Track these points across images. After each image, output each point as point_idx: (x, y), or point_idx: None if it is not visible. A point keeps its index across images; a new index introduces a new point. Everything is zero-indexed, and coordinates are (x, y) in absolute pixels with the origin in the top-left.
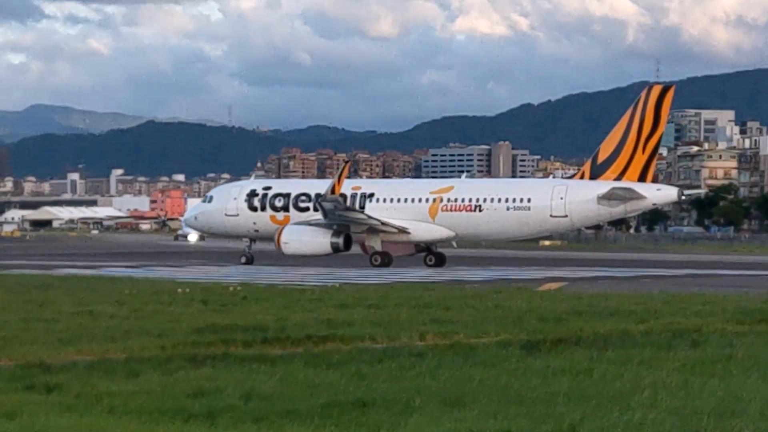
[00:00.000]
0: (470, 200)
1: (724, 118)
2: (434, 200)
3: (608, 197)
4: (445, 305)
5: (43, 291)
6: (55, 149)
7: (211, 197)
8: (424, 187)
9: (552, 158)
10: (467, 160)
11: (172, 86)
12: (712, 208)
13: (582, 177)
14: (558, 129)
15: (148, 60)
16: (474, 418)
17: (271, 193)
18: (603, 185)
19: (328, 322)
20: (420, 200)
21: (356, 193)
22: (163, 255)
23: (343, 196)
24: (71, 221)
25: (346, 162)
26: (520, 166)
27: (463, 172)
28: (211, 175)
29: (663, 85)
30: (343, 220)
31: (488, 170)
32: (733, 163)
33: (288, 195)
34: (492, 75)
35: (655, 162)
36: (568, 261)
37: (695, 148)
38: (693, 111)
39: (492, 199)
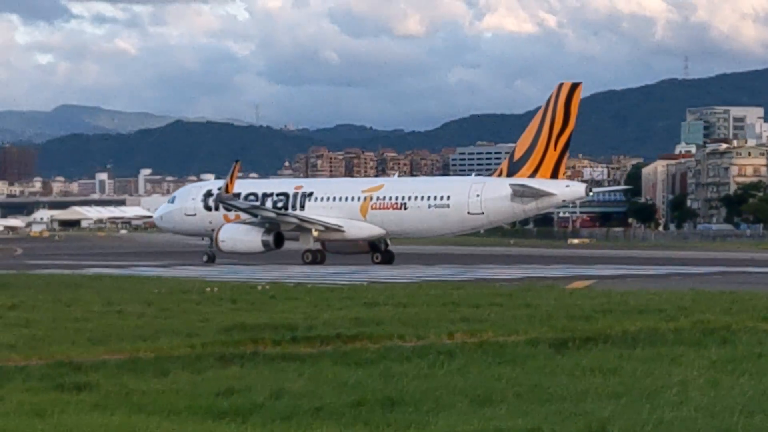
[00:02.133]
0: (396, 198)
1: (753, 115)
2: (365, 199)
3: (520, 194)
4: (474, 304)
5: (73, 291)
6: (84, 149)
7: (174, 198)
8: (357, 186)
9: (580, 156)
10: (495, 159)
11: (199, 86)
12: (742, 206)
13: (500, 175)
14: (586, 126)
15: (176, 59)
16: (503, 416)
17: None
18: (507, 183)
19: (357, 321)
20: (353, 199)
21: (297, 192)
22: (192, 254)
23: (238, 195)
24: (100, 221)
25: (236, 161)
26: None
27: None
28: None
29: (572, 83)
30: (267, 217)
31: None
32: (763, 161)
33: (238, 195)
34: (520, 73)
35: (566, 158)
36: (596, 259)
37: (724, 146)
38: (722, 108)
39: (416, 198)
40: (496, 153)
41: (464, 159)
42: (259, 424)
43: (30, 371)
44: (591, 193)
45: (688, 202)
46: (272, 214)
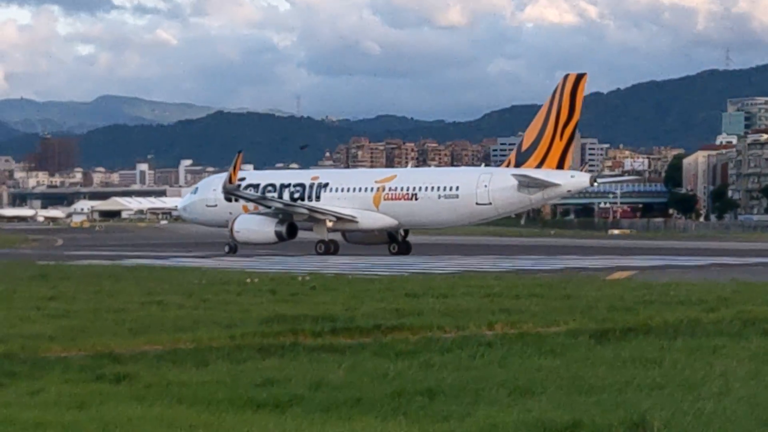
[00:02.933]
0: (408, 189)
1: None
2: (378, 189)
3: (526, 185)
4: (514, 294)
5: (113, 281)
6: (124, 140)
7: (197, 189)
8: (371, 177)
9: (621, 147)
10: None
11: (240, 76)
12: None
13: (508, 165)
14: (627, 117)
15: (217, 50)
16: (543, 407)
17: (244, 183)
18: (510, 174)
19: (397, 312)
20: (366, 189)
21: (313, 183)
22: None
23: (255, 185)
24: (140, 212)
25: (239, 152)
26: (589, 154)
27: None
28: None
29: (577, 74)
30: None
31: None
32: None
33: (258, 185)
34: (561, 64)
35: (572, 148)
36: (637, 250)
37: (765, 136)
38: (763, 99)
39: (426, 188)
40: None
41: (505, 149)
42: (298, 416)
43: (70, 362)
44: (596, 184)
45: (729, 193)
46: (279, 205)
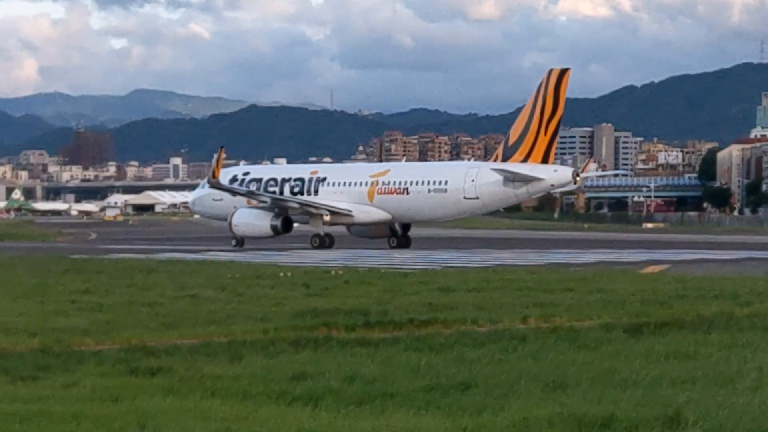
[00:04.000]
0: (400, 183)
1: None
2: (372, 183)
3: (511, 179)
4: (548, 288)
5: (146, 275)
6: (157, 134)
7: (205, 183)
8: (366, 171)
9: (655, 140)
10: (569, 143)
11: (273, 70)
12: None
13: (496, 160)
14: (661, 111)
15: (250, 44)
16: (577, 401)
17: (248, 178)
18: (492, 167)
19: (431, 306)
20: (361, 184)
21: (312, 178)
22: (266, 239)
23: (260, 180)
24: (173, 205)
25: (221, 147)
26: (623, 148)
27: (565, 154)
28: (313, 159)
29: (560, 69)
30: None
31: (591, 152)
32: None
33: (260, 180)
34: (594, 57)
35: (556, 143)
36: (671, 243)
37: None
38: None
39: (417, 183)
40: (570, 137)
41: None
42: (331, 409)
43: (104, 356)
44: (578, 178)
45: (764, 187)
46: (267, 199)
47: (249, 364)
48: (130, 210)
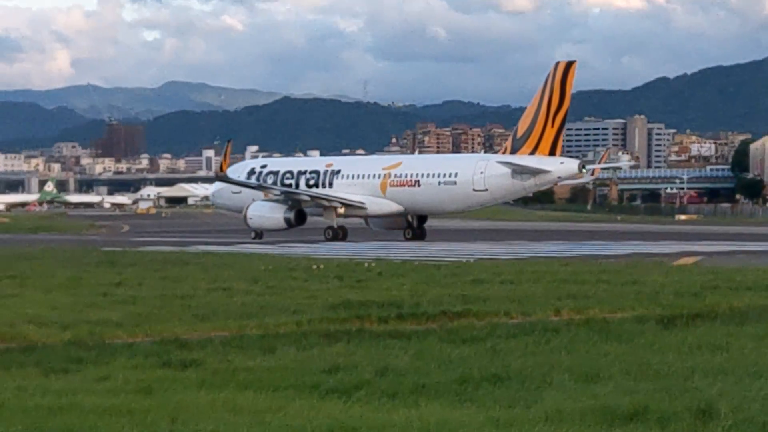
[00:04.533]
0: (411, 176)
1: None
2: (384, 176)
3: (519, 172)
4: (580, 280)
5: (179, 268)
6: (190, 126)
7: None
8: (378, 164)
9: (688, 132)
10: (602, 134)
11: (306, 62)
12: None
13: (505, 152)
14: (694, 102)
15: (283, 36)
16: (609, 393)
17: (265, 171)
18: (498, 160)
19: (463, 298)
20: (374, 176)
21: (327, 170)
22: (299, 231)
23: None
24: (206, 198)
25: (228, 141)
26: (656, 139)
27: (597, 145)
28: (346, 151)
29: (567, 62)
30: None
31: (623, 144)
32: None
33: (277, 172)
34: (627, 49)
35: (563, 135)
36: (704, 235)
37: None
38: None
39: (428, 175)
40: (603, 129)
41: (571, 135)
42: (364, 401)
43: (136, 348)
44: (584, 170)
45: None
46: (276, 191)
47: (282, 356)
48: (162, 202)
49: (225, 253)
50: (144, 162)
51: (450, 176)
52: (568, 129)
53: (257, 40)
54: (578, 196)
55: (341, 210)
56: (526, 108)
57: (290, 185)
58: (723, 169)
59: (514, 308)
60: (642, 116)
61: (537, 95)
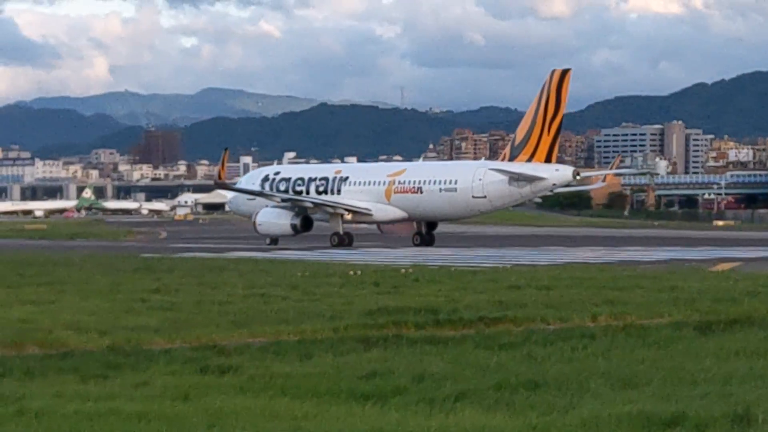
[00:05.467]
0: (414, 183)
1: None
2: (389, 183)
3: (516, 179)
4: (618, 286)
5: (216, 274)
6: (228, 133)
7: (240, 182)
8: (384, 171)
9: (726, 138)
10: (640, 140)
11: (344, 68)
12: None
13: (503, 159)
14: (732, 108)
15: (320, 42)
16: (647, 399)
17: (278, 177)
18: (491, 167)
19: (500, 304)
20: (379, 183)
21: (336, 177)
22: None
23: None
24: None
25: (225, 149)
26: (694, 145)
27: (635, 151)
28: (383, 157)
29: (562, 69)
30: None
31: (661, 150)
32: None
33: (289, 179)
34: (665, 54)
35: (558, 142)
36: (741, 241)
37: None
38: None
39: (430, 182)
40: (641, 134)
41: (609, 141)
42: (401, 407)
43: (174, 354)
44: (578, 177)
45: None
46: (278, 198)
47: (319, 362)
48: (200, 209)
49: (262, 259)
50: (182, 168)
51: (450, 183)
52: (606, 135)
53: (294, 46)
54: (615, 201)
55: (348, 216)
56: (564, 114)
57: (301, 192)
58: (761, 175)
59: (551, 314)
60: (679, 122)
61: (534, 103)
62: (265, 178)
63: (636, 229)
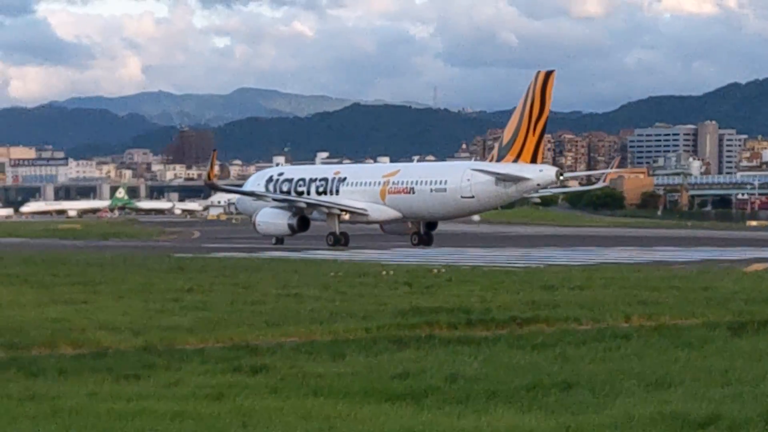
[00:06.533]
0: (407, 183)
1: None
2: (384, 183)
3: (502, 179)
4: (651, 286)
5: (249, 274)
6: (261, 133)
7: (246, 184)
8: (379, 171)
9: (759, 138)
10: (673, 140)
11: (377, 68)
12: None
13: (492, 160)
14: (766, 108)
15: (353, 42)
16: (680, 399)
17: (281, 178)
18: (473, 167)
19: (533, 304)
20: (375, 183)
21: (335, 177)
22: (368, 237)
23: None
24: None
25: (214, 150)
26: (727, 145)
27: (668, 151)
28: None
29: (546, 71)
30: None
31: (694, 150)
32: None
33: (291, 180)
34: (698, 54)
35: (544, 143)
36: None
37: None
38: None
39: (421, 182)
40: (674, 134)
41: (642, 140)
42: (433, 407)
43: (207, 354)
44: (562, 177)
45: None
46: (269, 198)
47: (351, 362)
48: (233, 209)
49: (295, 259)
50: (215, 168)
51: (441, 183)
52: (639, 135)
53: (327, 46)
54: (648, 201)
55: (346, 216)
56: (597, 114)
57: (302, 192)
58: None
59: (584, 314)
60: (713, 122)
61: (520, 104)
62: (270, 179)
63: (669, 230)
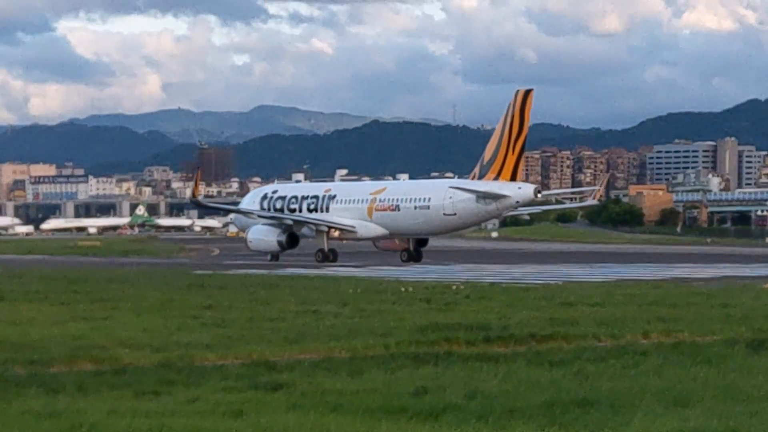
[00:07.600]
0: (392, 200)
1: None
2: (371, 201)
3: (482, 197)
4: (670, 303)
5: (268, 291)
6: (280, 150)
7: (242, 202)
8: (367, 189)
9: None
10: (693, 157)
11: (396, 85)
12: None
13: (473, 177)
14: None
15: (372, 59)
16: (698, 417)
17: (275, 196)
18: (450, 185)
19: (552, 321)
20: (362, 201)
21: (325, 195)
22: (388, 254)
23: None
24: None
25: (198, 168)
26: (747, 162)
27: (687, 167)
28: (435, 174)
29: (525, 90)
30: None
31: (714, 167)
32: None
33: (285, 197)
34: (718, 70)
35: (523, 161)
36: None
37: None
38: None
39: (406, 200)
40: (693, 151)
41: (661, 157)
42: (452, 424)
43: (226, 370)
44: (539, 195)
45: None
46: (254, 216)
47: (370, 379)
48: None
49: (314, 276)
50: (234, 185)
51: (424, 201)
52: (658, 151)
53: (347, 63)
54: (668, 218)
55: (335, 233)
56: (616, 131)
57: (295, 210)
58: None
59: (603, 331)
60: (732, 138)
61: (500, 123)
62: (264, 197)
63: (689, 246)
